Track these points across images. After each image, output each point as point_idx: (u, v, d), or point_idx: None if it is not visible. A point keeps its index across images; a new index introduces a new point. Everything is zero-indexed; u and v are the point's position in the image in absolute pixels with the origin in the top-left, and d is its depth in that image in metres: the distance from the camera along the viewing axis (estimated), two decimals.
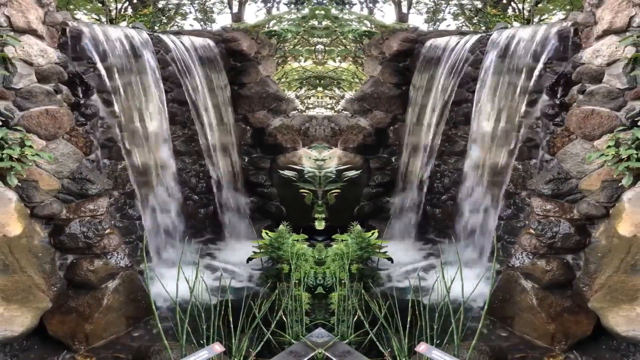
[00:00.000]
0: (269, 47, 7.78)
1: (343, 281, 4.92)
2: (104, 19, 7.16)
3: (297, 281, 4.97)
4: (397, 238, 7.22)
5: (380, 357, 4.21)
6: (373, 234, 6.00)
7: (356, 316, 4.52)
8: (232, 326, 4.28)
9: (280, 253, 5.61)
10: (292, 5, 7.95)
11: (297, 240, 5.79)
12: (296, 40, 7.80)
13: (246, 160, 7.68)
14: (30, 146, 4.71)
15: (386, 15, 8.21)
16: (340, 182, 6.66)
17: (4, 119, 4.66)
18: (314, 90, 7.66)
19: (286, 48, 7.83)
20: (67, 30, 5.37)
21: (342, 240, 5.74)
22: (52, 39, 5.27)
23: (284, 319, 4.53)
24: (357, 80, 7.83)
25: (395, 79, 7.55)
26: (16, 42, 4.79)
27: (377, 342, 4.26)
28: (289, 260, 5.31)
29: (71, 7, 6.72)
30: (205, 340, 4.19)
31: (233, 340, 4.22)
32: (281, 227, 5.89)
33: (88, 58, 5.53)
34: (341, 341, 4.21)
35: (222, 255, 6.92)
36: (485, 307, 4.26)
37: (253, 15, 8.17)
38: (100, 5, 7.18)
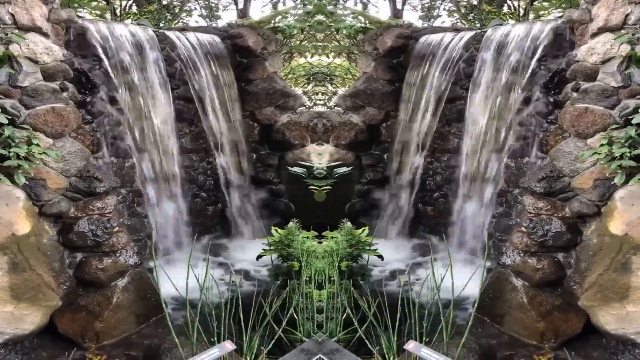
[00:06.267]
0: (275, 43, 7.71)
1: (332, 278, 4.88)
2: (108, 17, 7.13)
3: (307, 278, 4.91)
4: (388, 235, 7.21)
5: (369, 355, 4.18)
6: (363, 231, 5.96)
7: (345, 314, 4.49)
8: (242, 324, 4.24)
9: (290, 250, 5.56)
10: (298, 0, 7.87)
11: (307, 237, 5.73)
12: (302, 36, 7.73)
13: (254, 157, 7.63)
14: (37, 144, 4.69)
15: (380, 11, 8.19)
16: (332, 179, 6.64)
17: (10, 117, 4.63)
18: (321, 87, 7.60)
19: (292, 44, 7.76)
20: (72, 27, 5.34)
21: (332, 238, 5.69)
22: (57, 36, 5.23)
23: (295, 316, 4.48)
24: (350, 76, 7.77)
25: (389, 76, 7.50)
26: (21, 39, 4.76)
27: (366, 340, 4.24)
28: (299, 258, 5.25)
29: (75, 4, 6.69)
30: (216, 338, 4.16)
31: (244, 338, 4.18)
32: (291, 224, 5.85)
33: (93, 55, 5.51)
34: (330, 339, 4.17)
35: (231, 252, 6.89)
36: (476, 305, 4.25)
37: (259, 11, 8.11)
38: (104, 2, 7.14)
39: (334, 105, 7.56)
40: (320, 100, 7.56)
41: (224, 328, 4.19)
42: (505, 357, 4.53)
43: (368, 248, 5.87)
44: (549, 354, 4.51)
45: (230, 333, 4.19)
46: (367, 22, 7.74)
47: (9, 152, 4.48)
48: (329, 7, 7.49)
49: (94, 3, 7.05)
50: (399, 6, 8.05)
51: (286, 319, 4.42)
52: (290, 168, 6.99)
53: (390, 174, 7.56)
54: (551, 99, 5.45)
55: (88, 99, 5.46)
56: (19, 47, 4.78)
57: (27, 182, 4.64)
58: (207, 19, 8.03)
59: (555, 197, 5.08)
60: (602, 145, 4.69)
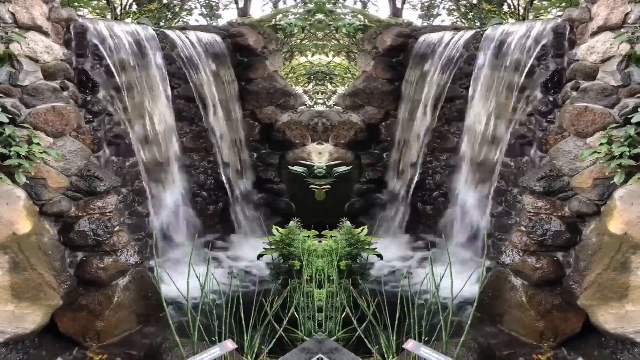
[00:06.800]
0: (276, 41, 7.70)
1: (331, 278, 4.88)
2: (108, 16, 7.10)
3: (308, 277, 4.91)
4: (388, 234, 7.21)
5: (368, 354, 4.19)
6: (362, 230, 5.95)
7: (344, 313, 4.50)
8: (243, 323, 4.24)
9: (291, 249, 5.56)
10: None
11: (308, 236, 5.73)
12: (303, 35, 7.71)
13: (255, 156, 7.63)
14: (38, 143, 4.68)
15: (380, 9, 8.18)
16: (331, 178, 6.65)
17: (10, 116, 4.63)
18: (321, 86, 7.59)
19: (293, 42, 7.74)
20: (73, 26, 5.33)
21: (331, 237, 5.70)
22: (58, 35, 5.22)
23: (296, 315, 4.48)
24: (349, 75, 7.76)
25: (388, 75, 7.49)
26: (21, 38, 4.75)
27: (365, 339, 4.25)
28: (300, 257, 5.25)
29: (75, 4, 6.67)
30: (216, 337, 4.16)
31: (245, 337, 4.18)
32: (292, 223, 5.84)
33: (94, 54, 5.49)
34: (329, 338, 4.17)
35: (232, 251, 6.89)
36: (475, 304, 4.24)
37: (259, 9, 8.09)
38: (104, 1, 7.12)
39: (333, 105, 7.56)
40: (319, 99, 7.56)
41: (225, 327, 4.19)
42: (504, 356, 4.53)
43: (367, 247, 5.88)
44: (548, 353, 4.52)
45: (231, 332, 4.19)
46: (366, 20, 7.74)
47: (10, 151, 4.47)
48: (328, 6, 7.47)
49: (94, 2, 7.03)
50: (398, 5, 8.05)
51: (287, 318, 4.43)
52: (290, 167, 6.99)
53: (389, 173, 7.56)
54: (551, 98, 5.45)
55: (88, 98, 5.46)
56: (19, 46, 4.77)
57: (27, 182, 4.63)
58: (207, 18, 8.00)
59: (554, 196, 5.08)
60: (601, 144, 4.69)
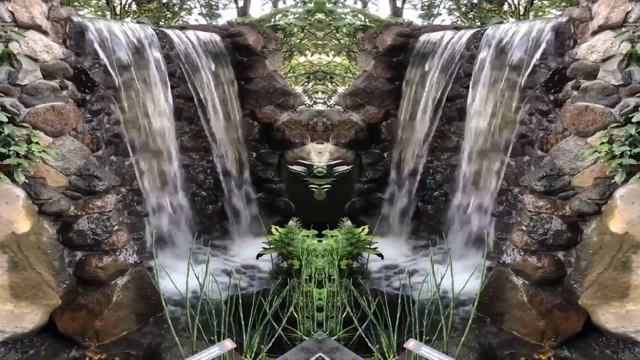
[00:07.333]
0: (276, 41, 7.70)
1: (332, 277, 4.89)
2: (108, 15, 7.10)
3: (307, 277, 4.91)
4: (388, 234, 7.21)
5: (369, 353, 4.21)
6: (363, 229, 5.96)
7: (345, 312, 4.51)
8: (243, 322, 4.24)
9: (291, 249, 5.55)
10: None
11: (307, 236, 5.73)
12: (302, 34, 7.71)
13: (254, 155, 7.62)
14: (37, 143, 4.68)
15: (380, 9, 8.20)
16: (331, 178, 6.66)
17: (10, 115, 4.62)
18: (321, 86, 7.59)
19: (292, 42, 7.75)
20: (72, 25, 5.32)
21: (331, 236, 5.70)
22: (57, 34, 5.22)
23: (295, 315, 4.48)
24: (350, 74, 7.77)
25: (389, 74, 7.49)
26: (20, 37, 4.74)
27: (366, 339, 4.26)
28: (300, 256, 5.25)
29: (75, 3, 6.67)
30: (216, 337, 4.16)
31: (244, 337, 4.18)
32: (291, 222, 5.85)
33: (93, 54, 5.48)
34: (329, 337, 4.18)
35: (232, 251, 6.89)
36: (475, 303, 4.26)
37: (259, 9, 8.09)
38: (104, 1, 7.12)
39: (334, 104, 7.56)
40: (320, 98, 7.56)
41: (224, 326, 4.19)
42: (505, 356, 4.54)
43: (368, 247, 5.88)
44: (549, 352, 4.53)
45: (230, 331, 4.19)
46: (366, 20, 7.75)
47: (9, 151, 4.47)
48: (329, 5, 7.48)
49: (94, 1, 7.03)
50: (399, 4, 8.06)
51: (286, 318, 4.42)
52: (290, 167, 7.00)
53: (390, 173, 7.56)
54: (551, 98, 5.45)
55: (88, 98, 5.45)
56: (18, 45, 4.77)
57: (26, 181, 4.63)
58: (207, 18, 8.01)
59: (555, 196, 5.08)
60: (602, 143, 4.70)
